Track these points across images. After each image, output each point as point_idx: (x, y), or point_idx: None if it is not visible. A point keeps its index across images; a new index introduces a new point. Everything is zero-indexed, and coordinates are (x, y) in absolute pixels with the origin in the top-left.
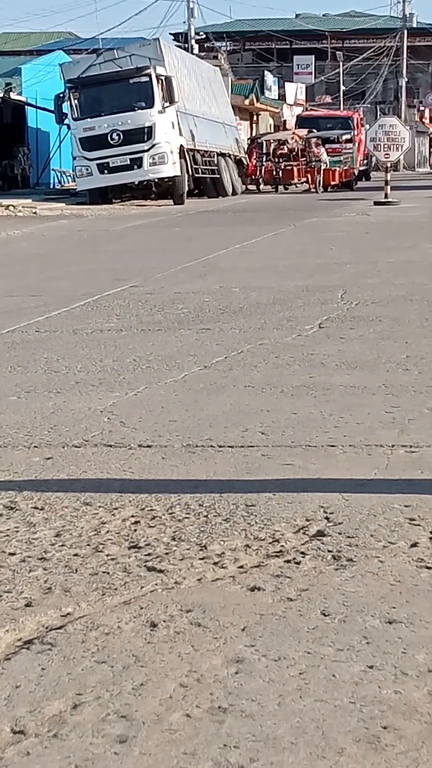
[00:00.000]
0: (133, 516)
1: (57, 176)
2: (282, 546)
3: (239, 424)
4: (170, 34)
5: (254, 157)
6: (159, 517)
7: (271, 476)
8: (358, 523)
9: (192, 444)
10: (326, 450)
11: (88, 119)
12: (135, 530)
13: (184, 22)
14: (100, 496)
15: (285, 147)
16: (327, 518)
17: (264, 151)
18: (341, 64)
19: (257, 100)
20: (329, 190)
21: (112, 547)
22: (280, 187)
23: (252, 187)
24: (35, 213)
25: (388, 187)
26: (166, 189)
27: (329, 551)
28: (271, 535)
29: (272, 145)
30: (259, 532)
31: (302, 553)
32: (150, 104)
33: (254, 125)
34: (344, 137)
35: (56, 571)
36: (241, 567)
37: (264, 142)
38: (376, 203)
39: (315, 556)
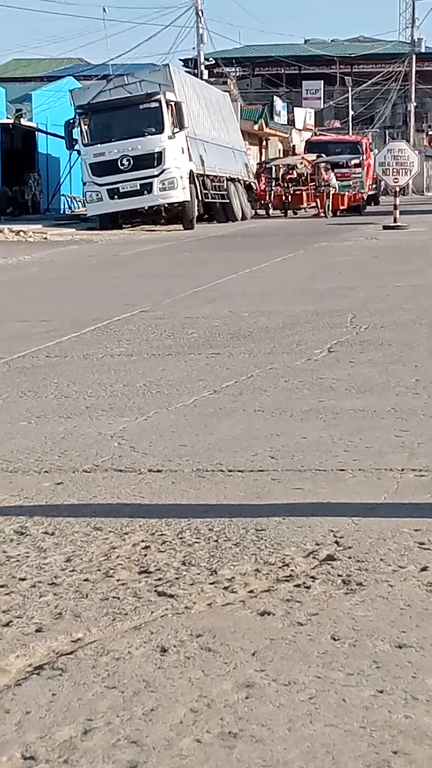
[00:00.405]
0: (143, 541)
1: (67, 202)
2: (292, 570)
3: (249, 449)
4: (180, 59)
5: (263, 182)
6: (169, 541)
7: (280, 500)
8: (368, 547)
9: (202, 468)
10: (336, 474)
11: (99, 145)
12: (145, 555)
13: (194, 48)
14: (111, 521)
15: (294, 172)
16: (337, 542)
17: (273, 175)
18: (350, 89)
19: (266, 125)
20: (338, 214)
21: (123, 572)
22: (290, 212)
23: (261, 211)
24: (45, 238)
25: (397, 212)
26: (175, 214)
27: (339, 575)
28: (281, 560)
29: (281, 170)
30: (269, 557)
31: (312, 577)
32: (160, 130)
33: (263, 150)
34: (353, 162)
35: (67, 596)
36: (251, 591)
37: (273, 167)
38: (385, 227)
39: (325, 580)
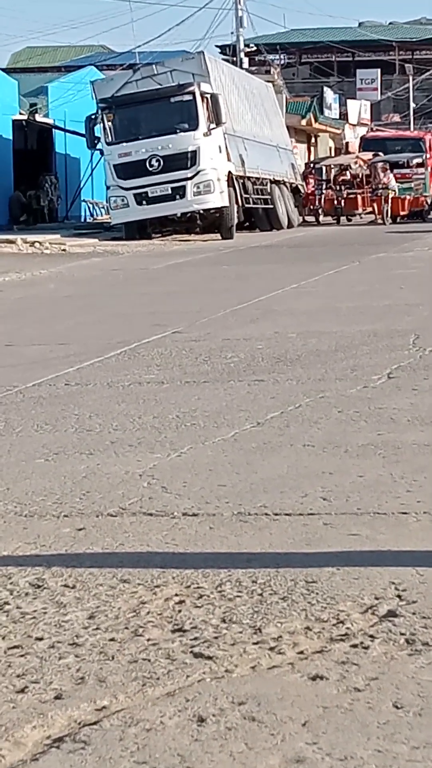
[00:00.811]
0: (177, 595)
1: (88, 208)
2: (347, 628)
3: (298, 489)
4: (216, 46)
5: (312, 184)
6: (207, 595)
7: (334, 548)
8: None
9: (244, 512)
10: (397, 518)
11: (124, 143)
12: (179, 611)
13: (232, 33)
14: (140, 572)
15: (347, 173)
16: (399, 596)
17: (324, 177)
18: (411, 78)
19: (316, 120)
20: (398, 221)
21: (154, 630)
22: (342, 218)
23: (310, 218)
24: (64, 250)
25: None
26: (212, 222)
27: (402, 634)
28: (335, 616)
29: (333, 171)
30: (322, 613)
31: (371, 636)
32: (194, 126)
33: (312, 148)
34: (415, 161)
35: (90, 658)
36: (301, 653)
37: (324, 168)
38: None
39: (385, 639)
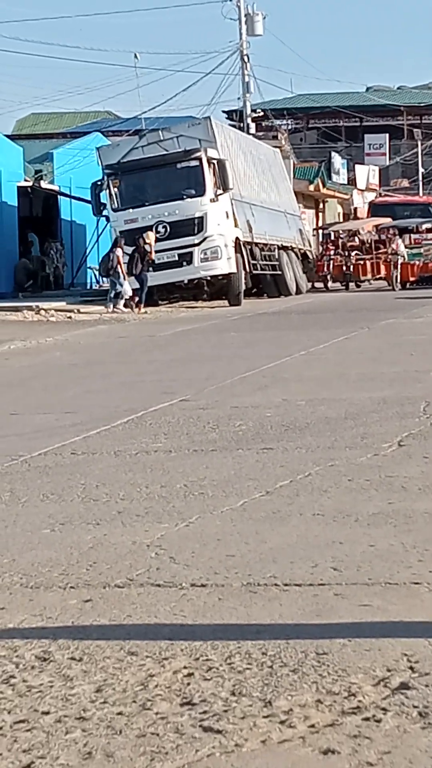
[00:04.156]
0: (185, 667)
1: (94, 275)
2: (359, 701)
3: (308, 559)
4: (223, 111)
5: (321, 250)
6: (216, 668)
7: (345, 619)
8: None
9: (253, 582)
10: (409, 588)
11: (130, 210)
12: (188, 684)
13: (239, 98)
14: (148, 644)
15: (356, 238)
16: (411, 668)
17: (332, 243)
18: (419, 143)
19: (323, 186)
20: (408, 287)
21: (162, 703)
22: (351, 284)
23: (319, 284)
24: (70, 318)
25: None
26: (220, 288)
27: (415, 707)
28: (346, 689)
29: (342, 237)
30: (333, 685)
31: (383, 709)
32: (201, 192)
33: (320, 214)
34: (425, 226)
35: (97, 732)
36: (312, 726)
37: (332, 233)
38: None
39: (398, 712)
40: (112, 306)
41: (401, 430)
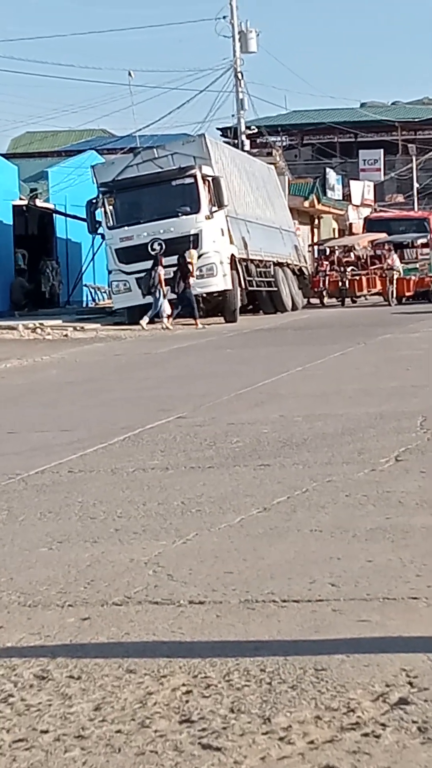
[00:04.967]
0: (184, 685)
1: (90, 293)
2: (358, 717)
3: (305, 575)
4: (217, 129)
5: (316, 266)
6: (214, 685)
7: (343, 635)
8: None
9: (251, 599)
10: (407, 603)
11: (125, 227)
12: (187, 701)
13: (233, 115)
14: (146, 661)
15: (351, 254)
16: (410, 683)
17: (328, 259)
18: (414, 158)
19: (318, 202)
20: (404, 302)
21: (161, 721)
22: (347, 300)
23: (314, 300)
24: (66, 335)
25: None
26: (215, 305)
27: (414, 722)
28: (345, 704)
29: (337, 253)
30: (332, 701)
31: (382, 724)
32: (196, 209)
33: (316, 230)
34: (420, 241)
35: (96, 750)
36: (312, 742)
37: (327, 249)
38: None
39: (397, 728)
40: (165, 322)
41: (398, 445)
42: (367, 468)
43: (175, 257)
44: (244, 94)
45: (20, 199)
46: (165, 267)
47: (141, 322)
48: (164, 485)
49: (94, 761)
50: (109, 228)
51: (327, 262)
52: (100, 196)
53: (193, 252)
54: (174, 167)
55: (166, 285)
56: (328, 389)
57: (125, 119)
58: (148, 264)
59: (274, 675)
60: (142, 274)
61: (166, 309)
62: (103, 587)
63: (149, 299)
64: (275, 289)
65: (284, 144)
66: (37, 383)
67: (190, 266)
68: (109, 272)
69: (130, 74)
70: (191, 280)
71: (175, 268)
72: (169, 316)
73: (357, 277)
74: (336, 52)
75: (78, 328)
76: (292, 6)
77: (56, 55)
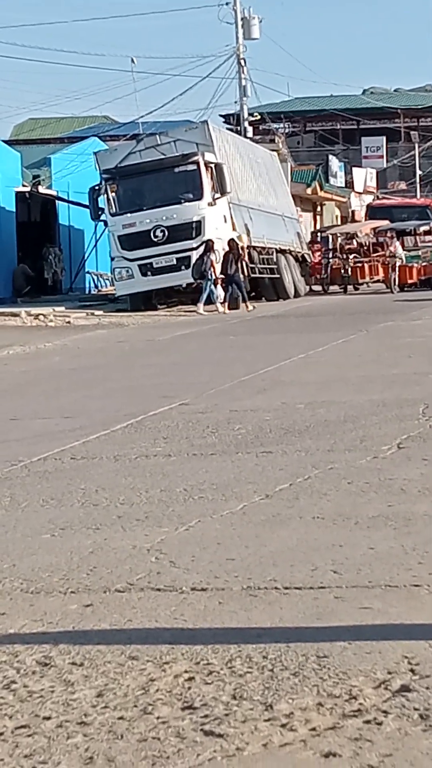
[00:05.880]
0: (186, 671)
1: (93, 280)
2: (360, 704)
3: (308, 562)
4: (220, 115)
5: (319, 253)
6: (217, 672)
7: (345, 622)
8: None
9: (253, 586)
10: (409, 590)
11: (128, 214)
12: (189, 688)
13: (236, 102)
14: (148, 648)
15: (354, 241)
16: (412, 670)
17: (330, 246)
18: (417, 145)
19: (321, 189)
20: (406, 289)
21: (163, 708)
22: (350, 287)
23: (317, 287)
24: (69, 322)
25: None
26: None
27: (416, 709)
28: (347, 692)
29: (339, 240)
30: (334, 688)
31: (384, 711)
32: (198, 196)
33: (318, 217)
34: (422, 229)
35: (98, 737)
36: (314, 729)
37: (330, 237)
38: None
39: (399, 715)
40: (222, 307)
41: (400, 433)
42: (369, 455)
43: (179, 243)
44: (247, 81)
45: (23, 185)
46: (168, 254)
47: (197, 309)
48: (167, 472)
49: (97, 747)
50: (112, 215)
51: (330, 250)
52: (103, 182)
53: (244, 236)
54: (177, 154)
55: (220, 271)
56: (330, 376)
57: (128, 106)
58: (152, 250)
59: (276, 662)
60: (144, 261)
61: (220, 294)
62: (105, 574)
63: (152, 285)
64: (278, 276)
65: (287, 131)
66: (39, 370)
67: (240, 250)
68: (112, 259)
69: (132, 61)
70: (241, 264)
71: (223, 253)
72: (223, 302)
73: (359, 265)
74: (339, 39)
75: (89, 315)
76: None
77: (59, 41)
